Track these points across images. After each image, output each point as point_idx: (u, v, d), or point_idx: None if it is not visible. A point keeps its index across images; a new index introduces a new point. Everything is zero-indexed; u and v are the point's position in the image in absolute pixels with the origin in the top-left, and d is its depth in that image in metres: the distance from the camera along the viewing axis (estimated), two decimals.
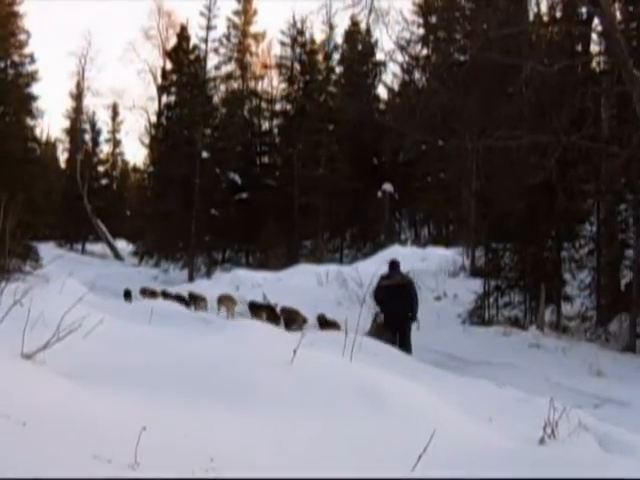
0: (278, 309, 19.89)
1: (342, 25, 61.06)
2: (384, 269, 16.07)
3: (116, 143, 69.41)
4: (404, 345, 14.39)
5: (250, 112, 58.29)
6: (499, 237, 24.51)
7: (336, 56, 58.44)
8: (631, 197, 22.29)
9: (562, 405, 7.04)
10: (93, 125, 67.08)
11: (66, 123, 67.59)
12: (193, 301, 21.93)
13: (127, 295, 25.61)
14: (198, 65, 55.89)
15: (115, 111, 68.08)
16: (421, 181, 50.13)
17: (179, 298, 22.64)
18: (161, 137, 58.01)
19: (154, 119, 63.61)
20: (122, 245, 61.60)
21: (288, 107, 55.93)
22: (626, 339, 20.62)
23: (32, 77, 49.46)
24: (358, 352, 8.49)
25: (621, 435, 7.90)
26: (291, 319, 18.76)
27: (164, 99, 59.31)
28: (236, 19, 58.58)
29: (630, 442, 7.53)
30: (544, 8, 26.32)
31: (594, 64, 24.82)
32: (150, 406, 5.92)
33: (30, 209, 33.09)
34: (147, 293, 25.41)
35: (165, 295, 23.85)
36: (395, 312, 14.76)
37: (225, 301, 21.38)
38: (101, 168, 68.44)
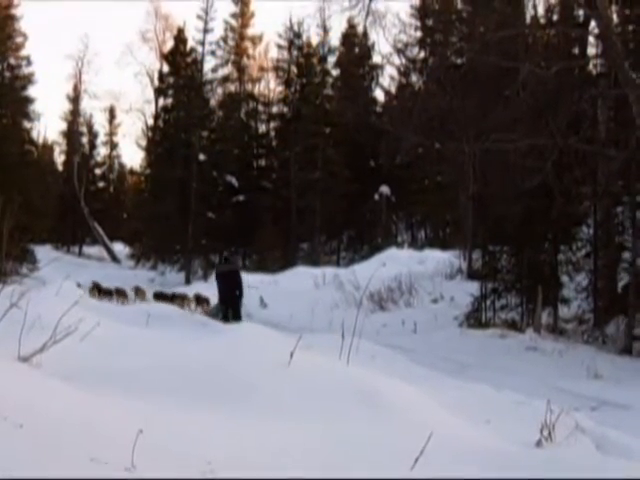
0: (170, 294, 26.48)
1: (339, 28, 61.11)
2: (381, 271, 17.08)
3: (113, 146, 69.32)
4: (235, 315, 18.90)
5: (247, 115, 58.27)
6: (496, 240, 24.50)
7: (333, 59, 58.47)
8: (628, 199, 22.30)
9: (559, 408, 7.05)
10: (90, 128, 66.96)
11: (63, 126, 67.54)
12: (117, 295, 25.81)
13: None
14: (195, 68, 55.86)
15: (112, 114, 68.00)
16: (418, 184, 50.15)
17: (107, 293, 26.03)
18: (158, 140, 57.97)
19: (151, 122, 63.61)
20: (119, 248, 61.48)
21: (285, 110, 55.91)
22: (623, 341, 20.61)
23: (29, 80, 49.56)
24: (355, 355, 8.49)
25: (618, 437, 7.90)
26: (180, 300, 24.68)
27: (161, 102, 59.21)
28: (233, 22, 58.63)
29: (627, 444, 7.54)
30: (541, 11, 26.34)
31: (591, 67, 24.84)
32: (147, 409, 5.92)
33: (27, 212, 33.06)
34: (96, 289, 26.00)
35: (100, 291, 25.97)
36: (226, 291, 19.34)
37: (139, 293, 26.93)
38: (98, 171, 68.36)
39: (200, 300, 24.73)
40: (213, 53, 57.14)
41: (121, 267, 55.54)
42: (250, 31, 59.24)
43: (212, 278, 43.44)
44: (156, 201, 52.62)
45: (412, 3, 52.16)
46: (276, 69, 57.35)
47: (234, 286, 19.36)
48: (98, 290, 25.80)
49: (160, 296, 26.05)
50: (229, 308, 19.19)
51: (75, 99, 65.65)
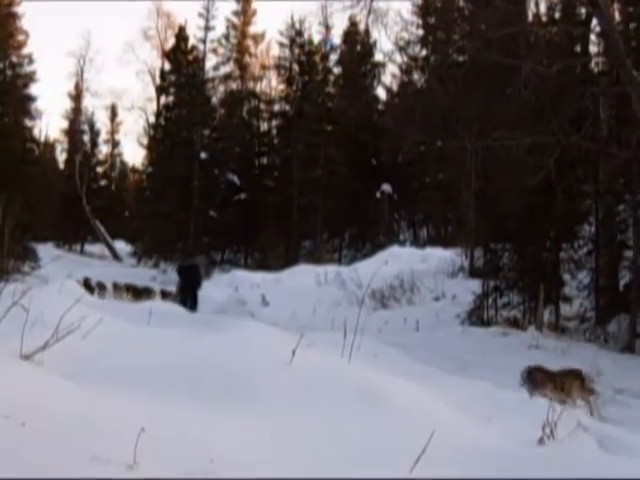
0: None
1: (341, 26, 61.08)
2: (383, 269, 17.61)
3: (115, 144, 69.35)
4: (193, 302, 22.45)
5: (249, 113, 58.24)
6: (498, 237, 24.51)
7: (335, 57, 58.48)
8: (630, 198, 22.30)
9: (561, 405, 7.04)
10: (92, 126, 66.83)
11: (65, 124, 67.49)
12: (98, 288, 27.24)
13: None
14: (197, 66, 55.90)
15: (114, 112, 68.01)
16: (420, 182, 50.18)
17: (91, 287, 27.21)
18: (160, 138, 57.94)
19: (153, 120, 63.60)
20: (121, 246, 61.40)
21: (287, 108, 55.88)
22: (625, 339, 20.63)
23: (30, 78, 49.62)
24: (357, 353, 8.48)
25: (620, 435, 7.90)
26: (147, 294, 26.70)
27: (163, 100, 59.20)
28: (235, 20, 58.62)
29: (629, 442, 7.54)
30: (543, 8, 26.34)
31: (593, 65, 24.87)
32: (149, 407, 5.91)
33: (29, 210, 33.06)
34: (84, 284, 26.86)
35: (86, 285, 26.78)
36: (187, 282, 23.40)
37: (117, 288, 28.23)
38: (100, 169, 68.27)
39: (165, 294, 27.24)
40: (215, 51, 57.22)
41: (123, 265, 55.46)
42: (252, 29, 59.29)
43: (214, 276, 43.86)
44: (158, 199, 52.62)
45: (414, 1, 52.22)
46: (278, 67, 57.31)
47: (194, 278, 23.61)
48: (85, 284, 26.77)
49: (131, 289, 28.31)
50: (188, 297, 22.94)
51: (77, 97, 65.60)
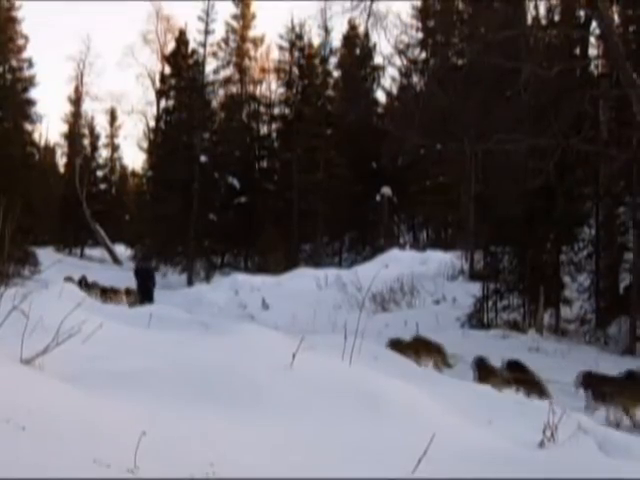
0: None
1: (340, 29, 61.02)
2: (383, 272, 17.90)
3: (114, 148, 69.27)
4: (149, 299, 24.14)
5: (249, 116, 58.21)
6: (498, 240, 24.52)
7: (335, 60, 58.47)
8: (630, 200, 22.31)
9: (561, 408, 7.03)
10: (92, 130, 66.85)
11: (65, 128, 67.50)
12: (87, 288, 27.66)
13: None
14: (196, 69, 55.82)
15: (113, 116, 67.88)
16: (420, 185, 50.13)
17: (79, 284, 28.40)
18: (160, 141, 57.95)
19: (152, 124, 63.60)
20: (121, 249, 61.43)
21: (286, 111, 55.89)
22: (625, 342, 20.62)
23: (30, 82, 49.66)
24: (357, 356, 8.48)
25: (621, 438, 7.89)
26: (113, 293, 28.41)
27: (162, 103, 59.15)
28: (234, 23, 58.54)
29: (629, 445, 7.53)
30: (542, 11, 26.34)
31: (592, 67, 24.86)
32: (150, 410, 5.91)
33: (29, 214, 33.11)
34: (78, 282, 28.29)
35: (80, 283, 28.37)
36: (142, 282, 25.56)
37: (93, 287, 29.26)
38: (100, 173, 68.20)
39: (129, 292, 28.65)
40: (214, 55, 57.06)
41: (123, 269, 55.38)
42: (251, 32, 59.15)
43: (215, 279, 43.91)
44: (158, 203, 52.60)
45: (413, 4, 52.24)
46: (277, 70, 57.28)
47: (148, 278, 25.98)
48: (79, 283, 28.07)
49: (102, 290, 29.43)
50: (145, 296, 24.84)
51: (76, 101, 65.54)
